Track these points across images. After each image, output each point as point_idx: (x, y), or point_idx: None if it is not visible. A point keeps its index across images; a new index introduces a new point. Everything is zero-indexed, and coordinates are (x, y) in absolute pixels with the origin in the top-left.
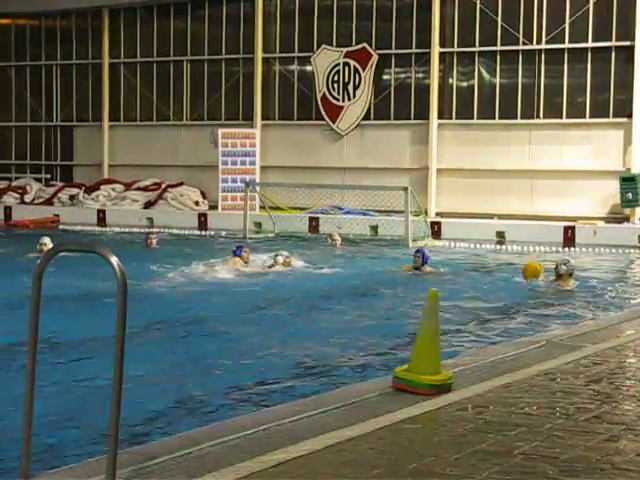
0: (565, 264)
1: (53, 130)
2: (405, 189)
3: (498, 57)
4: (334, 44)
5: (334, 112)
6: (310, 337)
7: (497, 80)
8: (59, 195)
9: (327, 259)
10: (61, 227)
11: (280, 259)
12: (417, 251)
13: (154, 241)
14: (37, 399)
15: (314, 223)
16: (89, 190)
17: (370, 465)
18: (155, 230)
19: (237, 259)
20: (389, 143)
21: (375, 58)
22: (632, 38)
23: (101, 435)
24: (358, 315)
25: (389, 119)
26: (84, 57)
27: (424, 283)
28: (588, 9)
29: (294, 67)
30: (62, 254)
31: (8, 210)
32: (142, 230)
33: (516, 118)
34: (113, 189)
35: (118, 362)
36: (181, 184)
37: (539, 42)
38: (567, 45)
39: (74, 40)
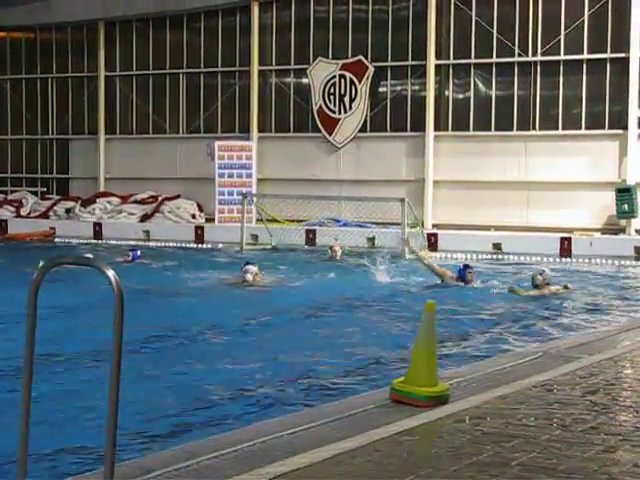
0: (541, 274)
1: (49, 143)
2: (402, 200)
3: (494, 69)
4: (330, 56)
5: (330, 124)
6: (307, 350)
7: (493, 92)
8: (55, 208)
9: (324, 270)
10: (57, 240)
11: (249, 277)
12: (469, 266)
13: (128, 258)
14: (34, 412)
15: (311, 235)
16: (85, 203)
17: (367, 477)
18: (129, 246)
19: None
20: (385, 155)
21: (371, 70)
22: (627, 50)
23: (98, 448)
24: (355, 327)
25: (385, 131)
26: (80, 70)
27: (421, 295)
28: (583, 21)
29: (290, 79)
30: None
31: (4, 223)
32: (139, 243)
33: (512, 130)
34: (109, 202)
35: (115, 375)
36: (178, 197)
37: (534, 54)
38: (562, 57)
39: (70, 53)
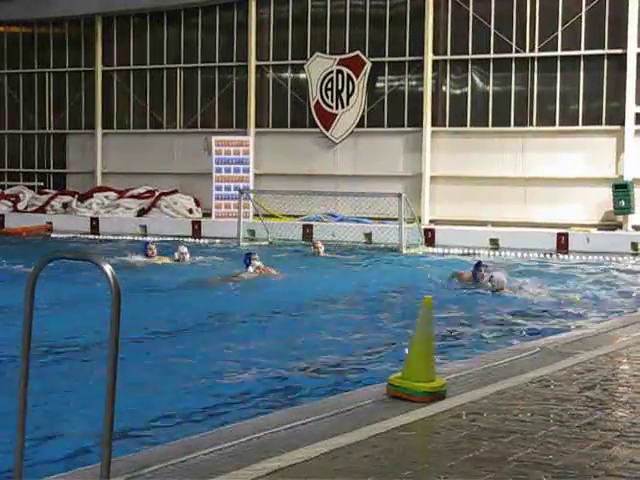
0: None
1: (46, 138)
2: (399, 195)
3: (491, 65)
4: (327, 52)
5: (328, 119)
6: (303, 345)
7: (490, 88)
8: (52, 203)
9: (319, 266)
10: (54, 235)
11: (251, 269)
12: (481, 264)
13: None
14: (31, 406)
15: (308, 231)
16: (82, 198)
17: (364, 473)
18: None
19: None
20: (383, 150)
21: (368, 66)
22: (624, 46)
23: (95, 443)
24: (352, 322)
25: (382, 126)
26: (77, 65)
27: (418, 291)
28: (580, 17)
29: (287, 75)
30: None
31: (1, 218)
32: (136, 238)
33: (509, 125)
34: (106, 197)
35: (112, 369)
36: (175, 192)
37: (532, 50)
38: (560, 53)
39: (67, 48)
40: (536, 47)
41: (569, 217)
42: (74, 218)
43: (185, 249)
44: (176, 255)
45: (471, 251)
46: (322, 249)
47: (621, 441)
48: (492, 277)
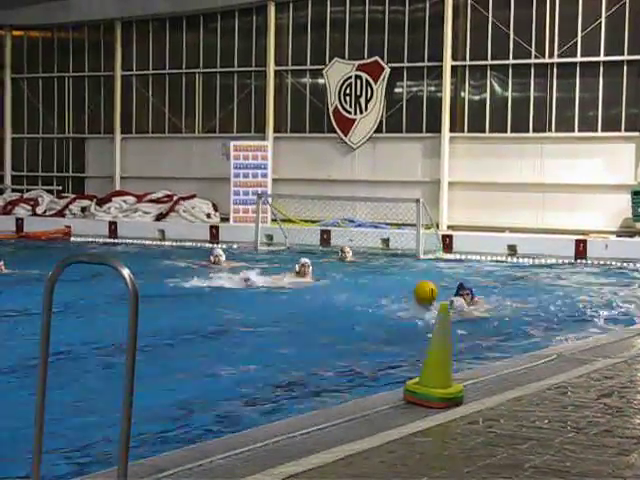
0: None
1: (65, 142)
2: (417, 201)
3: (510, 70)
4: (346, 57)
5: (346, 125)
6: (322, 349)
7: (509, 93)
8: (70, 207)
9: (342, 273)
10: (72, 239)
11: (212, 258)
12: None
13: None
14: (48, 410)
15: (325, 236)
16: (101, 202)
17: (380, 478)
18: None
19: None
20: (401, 156)
21: (387, 71)
22: None
23: (112, 446)
24: (369, 328)
25: (401, 132)
26: (96, 69)
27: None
28: (600, 23)
29: (306, 80)
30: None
31: (20, 222)
32: (154, 242)
33: (528, 132)
34: (125, 201)
35: (129, 373)
36: (193, 196)
37: (551, 56)
38: (579, 59)
39: (86, 52)
40: (555, 53)
41: (587, 224)
42: (92, 222)
43: (219, 251)
44: (211, 258)
45: (489, 257)
46: (349, 255)
47: (638, 448)
48: (452, 302)
